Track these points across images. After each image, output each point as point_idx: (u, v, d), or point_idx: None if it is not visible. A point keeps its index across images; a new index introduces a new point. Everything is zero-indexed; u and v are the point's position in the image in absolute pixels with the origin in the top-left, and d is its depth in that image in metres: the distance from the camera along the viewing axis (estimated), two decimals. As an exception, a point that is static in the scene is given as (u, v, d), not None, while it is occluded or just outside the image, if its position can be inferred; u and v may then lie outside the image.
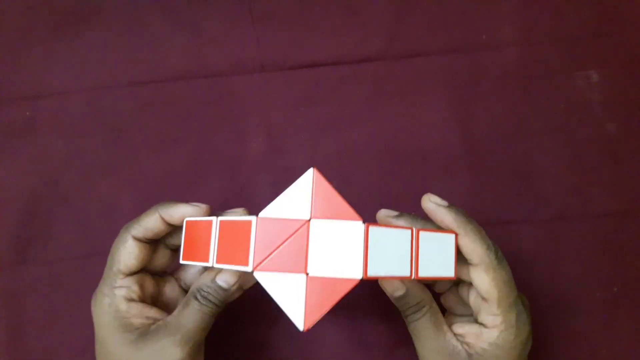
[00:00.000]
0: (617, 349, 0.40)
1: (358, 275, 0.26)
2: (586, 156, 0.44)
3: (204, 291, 0.31)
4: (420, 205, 0.32)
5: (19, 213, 0.43)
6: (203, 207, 0.32)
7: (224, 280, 0.31)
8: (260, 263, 0.26)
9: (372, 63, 0.46)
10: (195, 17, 0.47)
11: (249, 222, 0.27)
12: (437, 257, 0.29)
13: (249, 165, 0.44)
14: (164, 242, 0.35)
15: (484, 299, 0.30)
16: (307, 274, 0.26)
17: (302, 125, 0.45)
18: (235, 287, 0.32)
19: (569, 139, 0.44)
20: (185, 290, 0.36)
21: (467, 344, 0.31)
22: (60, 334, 0.41)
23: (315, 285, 0.26)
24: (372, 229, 0.27)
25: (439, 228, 0.31)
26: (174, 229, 0.34)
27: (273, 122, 0.45)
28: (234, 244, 0.28)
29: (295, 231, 0.27)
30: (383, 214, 0.32)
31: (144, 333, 0.31)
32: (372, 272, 0.26)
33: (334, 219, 0.27)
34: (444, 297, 0.35)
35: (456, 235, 0.30)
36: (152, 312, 0.32)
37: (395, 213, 0.32)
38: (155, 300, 0.34)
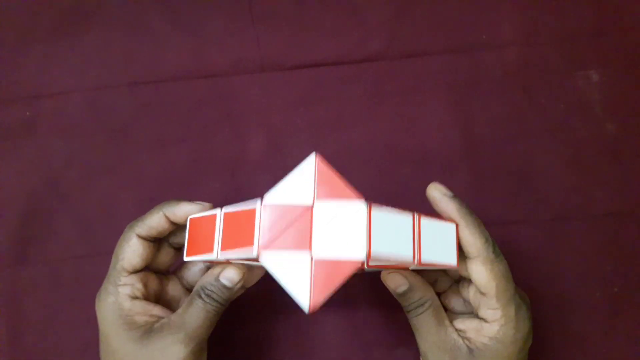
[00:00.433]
0: (617, 349, 0.40)
1: (362, 256, 0.26)
2: (586, 156, 0.44)
3: (208, 289, 0.31)
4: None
5: (19, 213, 0.43)
6: (206, 205, 0.32)
7: (228, 279, 0.31)
8: (266, 245, 0.27)
9: (372, 63, 0.46)
10: (195, 17, 0.47)
11: (253, 210, 0.27)
12: (438, 244, 0.29)
13: (249, 165, 0.44)
14: (167, 241, 0.35)
15: (482, 293, 0.31)
16: (311, 256, 0.26)
17: (302, 125, 0.45)
18: (239, 286, 0.32)
19: (569, 139, 0.44)
20: (187, 289, 0.36)
21: (468, 339, 0.31)
22: (60, 334, 0.41)
23: (320, 267, 0.26)
24: (375, 208, 0.27)
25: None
26: (178, 227, 0.34)
27: (273, 122, 0.45)
28: (239, 232, 0.28)
29: (300, 215, 0.27)
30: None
31: (148, 331, 0.31)
32: (376, 254, 0.26)
33: (337, 199, 0.27)
34: (445, 295, 0.35)
35: (457, 225, 0.30)
36: (156, 310, 0.32)
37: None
38: (158, 299, 0.34)
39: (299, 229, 0.27)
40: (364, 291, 0.38)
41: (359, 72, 0.46)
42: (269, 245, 0.26)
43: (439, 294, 0.35)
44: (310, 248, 0.26)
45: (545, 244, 0.42)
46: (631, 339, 0.40)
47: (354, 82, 0.46)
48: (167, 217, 0.32)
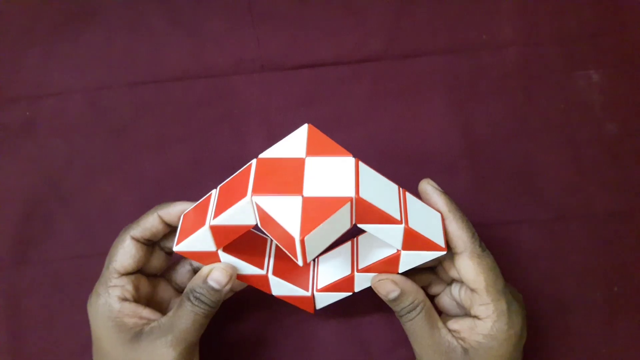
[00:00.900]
0: (617, 349, 0.40)
1: (350, 193, 0.27)
2: (586, 156, 0.44)
3: (197, 292, 0.31)
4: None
5: (19, 213, 0.43)
6: None
7: (215, 281, 0.31)
8: (259, 190, 0.27)
9: (372, 63, 0.46)
10: (195, 17, 0.47)
11: (249, 166, 0.29)
12: (425, 222, 0.30)
13: (249, 165, 0.44)
14: (160, 245, 0.35)
15: (472, 289, 0.31)
16: (302, 196, 0.27)
17: (302, 125, 0.45)
18: (227, 288, 0.32)
19: (569, 139, 0.44)
20: (177, 291, 0.36)
21: (463, 339, 0.31)
22: (60, 334, 0.40)
23: (310, 202, 0.27)
24: (362, 164, 0.29)
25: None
26: (171, 231, 0.34)
27: (273, 122, 0.45)
28: (232, 193, 0.29)
29: (292, 165, 0.28)
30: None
31: (139, 333, 0.31)
32: (364, 195, 0.27)
33: (328, 155, 0.29)
34: (438, 299, 0.35)
35: (442, 216, 0.31)
36: (146, 313, 0.32)
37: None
38: (149, 301, 0.34)
39: (291, 176, 0.28)
40: (364, 291, 0.38)
41: (358, 72, 0.46)
42: (262, 189, 0.27)
43: (432, 298, 0.35)
44: (302, 190, 0.27)
45: (545, 244, 0.42)
46: (631, 339, 0.40)
47: (354, 82, 0.46)
48: (161, 218, 0.33)
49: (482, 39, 0.46)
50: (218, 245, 0.30)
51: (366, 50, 0.46)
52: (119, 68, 0.46)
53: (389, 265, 0.32)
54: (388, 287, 0.32)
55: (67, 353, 0.40)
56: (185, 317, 0.31)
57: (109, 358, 0.31)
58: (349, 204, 0.27)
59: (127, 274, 0.33)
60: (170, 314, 0.32)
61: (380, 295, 0.33)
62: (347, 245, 0.35)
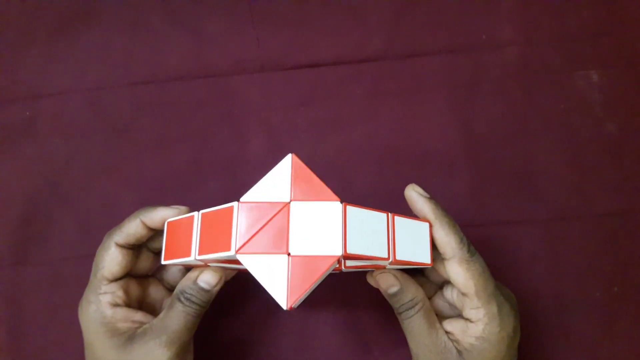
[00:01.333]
0: (617, 349, 0.40)
1: (338, 251, 0.26)
2: (586, 156, 0.44)
3: (187, 293, 0.31)
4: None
5: (19, 213, 0.43)
6: (182, 208, 0.33)
7: (206, 282, 0.32)
8: (243, 246, 0.27)
9: (371, 63, 0.46)
10: (195, 17, 0.47)
11: (231, 208, 0.28)
12: (413, 243, 0.30)
13: (249, 165, 0.44)
14: (146, 246, 0.35)
15: (463, 294, 0.31)
16: (288, 254, 0.27)
17: (302, 125, 0.45)
18: (217, 288, 0.32)
19: (569, 139, 0.44)
20: (169, 290, 0.36)
21: (457, 341, 0.31)
22: (60, 334, 0.40)
23: (297, 263, 0.26)
24: (350, 208, 0.28)
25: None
26: (156, 233, 0.34)
27: (273, 122, 0.45)
28: (216, 232, 0.28)
29: (276, 213, 0.27)
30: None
31: (131, 337, 0.31)
32: (351, 249, 0.27)
33: (313, 200, 0.28)
34: (431, 301, 0.35)
35: (430, 224, 0.31)
36: (138, 316, 0.33)
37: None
38: (140, 303, 0.35)
39: (276, 226, 0.27)
40: (364, 291, 0.38)
41: (358, 72, 0.46)
42: (246, 246, 0.27)
43: None
44: (287, 246, 0.27)
45: (545, 244, 0.42)
46: (631, 339, 0.40)
47: (353, 82, 0.46)
48: (144, 223, 0.33)
49: (482, 39, 0.46)
50: (205, 262, 0.31)
51: (366, 50, 0.46)
52: (119, 68, 0.46)
53: (375, 266, 0.32)
54: (389, 281, 0.32)
55: (67, 353, 0.40)
56: (177, 318, 0.31)
57: None
58: (336, 260, 0.27)
59: (116, 279, 0.33)
60: (161, 315, 0.32)
61: (380, 289, 0.33)
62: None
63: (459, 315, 0.33)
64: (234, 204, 0.28)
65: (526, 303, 0.40)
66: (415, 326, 0.32)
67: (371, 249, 0.28)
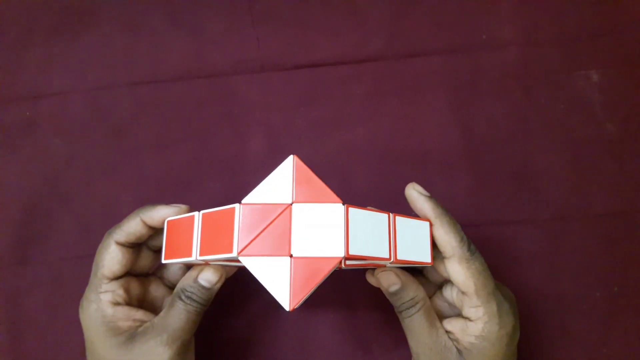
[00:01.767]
0: (617, 349, 0.40)
1: (340, 253, 0.27)
2: (586, 156, 0.44)
3: (188, 291, 0.31)
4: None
5: (19, 213, 0.43)
6: (183, 207, 0.32)
7: (206, 280, 0.32)
8: (245, 247, 0.27)
9: (371, 63, 0.46)
10: (195, 17, 0.47)
11: (232, 209, 0.28)
12: (413, 242, 0.30)
13: (249, 165, 0.44)
14: (146, 245, 0.35)
15: (463, 292, 0.31)
16: (291, 255, 0.27)
17: (302, 125, 0.45)
18: (218, 286, 0.32)
19: (569, 139, 0.44)
20: (169, 288, 0.36)
21: (457, 340, 0.32)
22: (60, 334, 0.41)
23: (299, 265, 0.26)
24: (352, 210, 0.28)
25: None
26: (156, 231, 0.34)
27: (273, 122, 0.45)
28: (217, 234, 0.28)
29: (278, 215, 0.27)
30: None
31: (132, 335, 0.31)
32: (354, 251, 0.27)
33: (315, 202, 0.28)
34: (431, 301, 0.35)
35: (430, 223, 0.31)
36: (139, 315, 0.33)
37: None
38: (141, 302, 0.35)
39: (278, 228, 0.27)
40: (364, 291, 0.38)
41: (358, 72, 0.46)
42: (248, 247, 0.27)
43: None
44: (289, 247, 0.27)
45: (545, 244, 0.42)
46: (630, 338, 0.40)
47: (353, 82, 0.46)
48: (144, 222, 0.33)
49: (482, 39, 0.46)
50: (206, 261, 0.31)
51: (366, 50, 0.46)
52: (119, 68, 0.46)
53: (376, 265, 0.32)
54: (390, 279, 0.32)
55: (67, 353, 0.40)
56: (178, 316, 0.31)
57: None
58: (338, 261, 0.27)
59: (116, 278, 0.33)
60: (162, 313, 0.32)
61: (381, 288, 0.33)
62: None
63: (459, 314, 0.33)
64: (236, 205, 0.28)
65: (526, 303, 0.40)
66: (415, 325, 0.32)
67: (373, 249, 0.28)
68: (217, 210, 0.29)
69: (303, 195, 0.28)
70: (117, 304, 0.32)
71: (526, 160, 0.44)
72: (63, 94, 0.46)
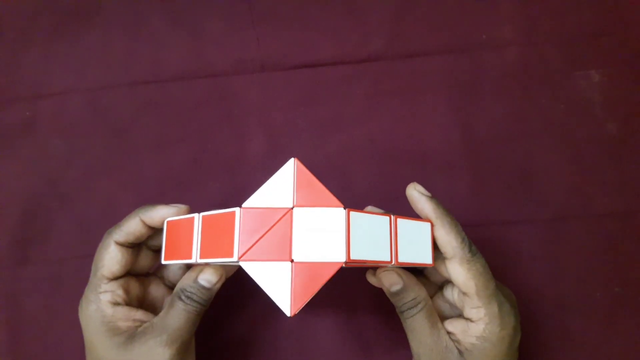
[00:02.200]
0: (617, 349, 0.40)
1: (341, 258, 0.26)
2: (586, 156, 0.44)
3: (188, 291, 0.31)
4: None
5: (19, 213, 0.43)
6: (182, 207, 0.32)
7: (206, 280, 0.31)
8: (246, 252, 0.27)
9: (372, 63, 0.46)
10: (195, 17, 0.47)
11: (233, 213, 0.28)
12: (415, 244, 0.30)
13: (248, 166, 0.44)
14: (146, 245, 0.35)
15: (464, 293, 0.31)
16: (292, 260, 0.27)
17: (302, 125, 0.45)
18: (218, 286, 0.32)
19: (569, 139, 0.44)
20: (169, 288, 0.36)
21: (458, 341, 0.31)
22: (60, 334, 0.40)
23: (300, 270, 0.26)
24: (353, 214, 0.27)
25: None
26: (156, 231, 0.34)
27: (273, 122, 0.45)
28: (218, 237, 0.28)
29: (279, 219, 0.27)
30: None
31: (132, 336, 0.31)
32: (355, 256, 0.27)
33: (316, 206, 0.27)
34: (432, 301, 0.35)
35: (432, 224, 0.31)
36: (139, 315, 0.32)
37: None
38: (141, 302, 0.35)
39: (279, 232, 0.27)
40: (364, 292, 0.38)
41: (358, 72, 0.46)
42: (249, 252, 0.27)
43: None
44: (290, 252, 0.27)
45: (545, 244, 0.42)
46: (631, 339, 0.40)
47: (353, 82, 0.46)
48: (143, 222, 0.32)
49: (482, 39, 0.46)
50: (206, 263, 0.31)
51: (366, 50, 0.46)
52: (119, 68, 0.46)
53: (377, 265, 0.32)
54: (392, 279, 0.32)
55: (67, 353, 0.40)
56: (178, 316, 0.31)
57: None
58: (340, 266, 0.27)
59: (116, 278, 0.33)
60: (162, 313, 0.32)
61: (383, 287, 0.33)
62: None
63: (460, 315, 0.33)
64: (236, 209, 0.28)
65: (526, 303, 0.40)
66: (417, 325, 0.32)
67: (374, 253, 0.28)
68: (217, 213, 0.29)
69: (304, 199, 0.28)
70: (116, 304, 0.32)
71: (526, 160, 0.44)
72: (63, 94, 0.46)
